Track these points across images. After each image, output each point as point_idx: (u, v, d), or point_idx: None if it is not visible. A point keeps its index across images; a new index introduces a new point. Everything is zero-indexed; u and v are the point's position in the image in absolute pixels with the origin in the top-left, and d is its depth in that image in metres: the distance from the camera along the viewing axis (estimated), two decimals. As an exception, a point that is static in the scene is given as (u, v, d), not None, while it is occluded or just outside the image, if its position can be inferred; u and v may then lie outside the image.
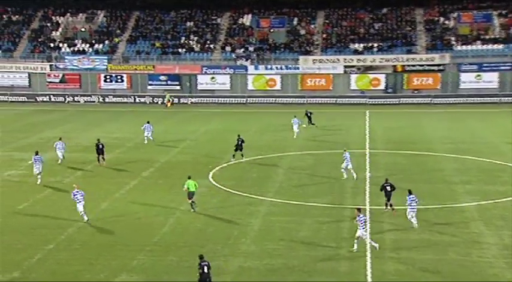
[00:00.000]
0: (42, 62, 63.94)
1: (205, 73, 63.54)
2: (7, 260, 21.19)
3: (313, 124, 46.22)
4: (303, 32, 66.50)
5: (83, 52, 65.12)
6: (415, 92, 60.58)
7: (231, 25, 69.04)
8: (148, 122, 41.52)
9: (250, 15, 69.29)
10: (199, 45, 66.17)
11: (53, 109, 57.91)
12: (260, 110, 58.85)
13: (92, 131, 46.04)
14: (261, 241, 22.82)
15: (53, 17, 69.10)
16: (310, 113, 46.89)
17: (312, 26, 67.06)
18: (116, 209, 26.81)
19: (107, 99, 62.61)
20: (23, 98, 61.94)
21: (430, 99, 59.56)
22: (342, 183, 30.30)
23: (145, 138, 40.60)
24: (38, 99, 62.21)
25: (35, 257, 21.36)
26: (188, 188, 26.26)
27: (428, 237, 22.90)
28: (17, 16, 69.06)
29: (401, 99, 59.97)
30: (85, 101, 62.29)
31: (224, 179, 31.56)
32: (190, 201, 26.25)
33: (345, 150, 31.66)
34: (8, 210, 26.41)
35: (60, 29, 67.94)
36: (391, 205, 25.31)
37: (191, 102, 62.34)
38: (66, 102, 61.98)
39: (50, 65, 63.62)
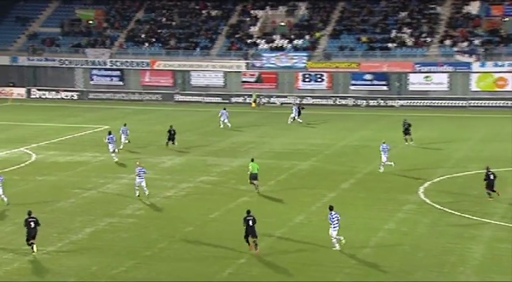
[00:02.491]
0: (239, 60, 67.29)
1: (419, 71, 61.96)
2: (198, 271, 22.50)
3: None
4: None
5: (281, 48, 67.31)
6: None
7: (453, 14, 66.50)
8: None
9: (478, 2, 66.09)
10: (412, 39, 64.77)
11: (247, 111, 60.70)
12: (485, 115, 55.91)
13: (286, 136, 47.40)
14: (485, 272, 21.58)
15: (252, 11, 72.52)
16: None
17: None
18: (311, 224, 27.20)
19: (304, 101, 63.95)
20: (218, 98, 65.79)
21: None
22: None
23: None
24: (233, 100, 65.57)
25: (226, 271, 22.43)
26: (251, 170, 31.03)
27: None
28: (215, 11, 73.75)
29: None
30: (281, 103, 64.25)
31: (437, 196, 30.47)
32: (253, 182, 31.06)
33: (383, 143, 35.00)
34: (200, 218, 28.17)
35: (258, 24, 71.03)
36: (494, 191, 29.11)
37: (400, 105, 61.20)
38: (261, 104, 64.47)
39: (246, 63, 66.75)
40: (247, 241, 23.86)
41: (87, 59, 68.98)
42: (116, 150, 39.12)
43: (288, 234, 25.89)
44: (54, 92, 68.13)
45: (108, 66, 68.74)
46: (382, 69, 63.14)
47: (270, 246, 24.63)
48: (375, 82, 63.26)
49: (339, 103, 63.32)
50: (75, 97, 67.51)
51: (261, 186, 33.04)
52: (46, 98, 67.52)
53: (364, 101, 62.47)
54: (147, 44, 70.23)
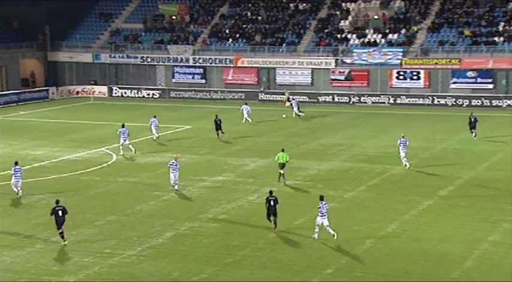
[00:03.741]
0: (327, 56, 67.02)
1: (528, 68, 59.95)
2: (281, 281, 22.54)
3: None
4: None
5: (374, 44, 66.57)
6: None
7: None
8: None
9: None
10: (523, 32, 62.65)
11: (336, 111, 60.43)
12: None
13: (379, 137, 46.87)
14: None
15: (343, 4, 71.99)
16: None
17: None
18: (405, 234, 26.81)
19: (398, 100, 63.08)
20: (304, 97, 65.71)
21: None
22: None
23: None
24: (320, 99, 65.40)
25: (312, 282, 22.46)
26: (279, 159, 34.36)
27: None
28: (304, 4, 73.67)
29: None
30: (372, 102, 63.63)
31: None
32: (280, 171, 34.21)
33: (402, 137, 36.92)
34: (284, 225, 28.13)
35: (349, 18, 70.50)
36: None
37: (507, 105, 59.33)
38: (351, 103, 64.04)
39: (336, 60, 66.39)
40: (269, 220, 27.05)
41: (169, 56, 70.56)
42: (128, 142, 41.36)
43: (379, 245, 25.60)
44: (135, 91, 70.07)
45: (190, 64, 70.08)
46: (487, 66, 61.37)
47: (359, 257, 24.41)
48: (479, 80, 61.57)
49: (437, 103, 62.01)
50: (157, 95, 69.16)
51: (350, 192, 32.85)
52: (127, 96, 69.52)
53: (466, 101, 60.88)
54: (231, 40, 71.10)
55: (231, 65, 68.90)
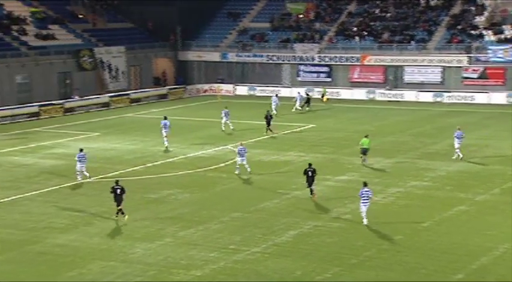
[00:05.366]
0: (460, 53, 65.11)
1: None
2: (407, 284, 22.32)
3: None
4: None
5: (511, 40, 64.00)
6: None
7: None
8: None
9: None
10: None
11: (467, 110, 58.61)
12: None
13: (513, 138, 45.11)
14: None
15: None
16: None
17: None
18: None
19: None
20: (435, 97, 64.15)
21: None
22: None
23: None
24: (450, 98, 63.44)
25: (439, 286, 22.00)
26: (363, 145, 37.83)
27: None
28: (435, 0, 71.96)
29: None
30: (509, 102, 61.20)
31: None
32: (362, 157, 37.88)
33: (458, 129, 38.97)
34: (410, 227, 27.82)
35: (485, 13, 68.14)
36: None
37: None
38: (483, 102, 61.83)
39: (469, 57, 64.37)
40: (310, 189, 31.41)
41: (294, 54, 71.03)
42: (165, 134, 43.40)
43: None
44: (260, 89, 71.04)
45: (316, 62, 70.21)
46: None
47: (492, 263, 23.62)
48: None
49: None
50: (282, 94, 69.73)
51: (482, 195, 31.89)
52: (253, 95, 70.56)
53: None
54: (357, 38, 70.59)
55: (357, 63, 68.42)
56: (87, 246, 26.01)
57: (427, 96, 64.29)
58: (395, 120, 54.43)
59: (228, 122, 49.57)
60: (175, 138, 46.14)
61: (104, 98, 63.85)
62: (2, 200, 32.31)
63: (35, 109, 57.65)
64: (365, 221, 27.91)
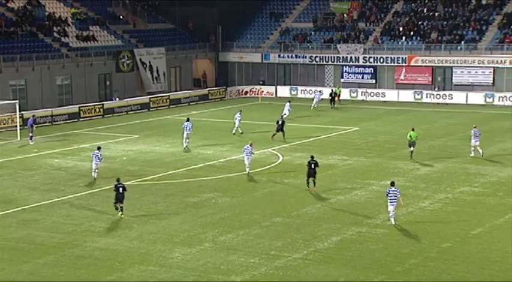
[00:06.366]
0: (512, 53, 64.13)
1: None
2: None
3: None
4: None
5: None
6: None
7: None
8: None
9: None
10: None
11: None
12: None
13: None
14: None
15: (534, -3, 68.64)
16: None
17: None
18: None
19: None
20: (484, 98, 63.14)
21: None
22: None
23: None
24: (502, 101, 62.52)
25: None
26: (411, 138, 39.40)
27: None
28: (487, -1, 71.05)
29: None
30: None
31: None
32: (410, 149, 39.26)
33: (474, 127, 40.09)
34: (459, 234, 27.37)
35: (537, 12, 66.93)
36: None
37: None
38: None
39: (520, 58, 63.33)
40: (308, 181, 33.03)
41: (338, 55, 70.67)
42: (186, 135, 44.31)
43: None
44: (303, 91, 70.79)
45: (360, 63, 69.76)
46: None
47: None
48: None
49: None
50: (327, 96, 69.42)
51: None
52: (295, 97, 70.26)
53: None
54: (404, 38, 69.91)
55: (404, 64, 67.76)
56: (126, 250, 26.18)
57: (477, 98, 63.38)
58: (444, 123, 53.68)
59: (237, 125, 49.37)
60: (214, 141, 46.20)
61: (144, 99, 64.33)
62: (42, 203, 32.75)
63: (75, 109, 58.35)
64: (392, 221, 28.18)
